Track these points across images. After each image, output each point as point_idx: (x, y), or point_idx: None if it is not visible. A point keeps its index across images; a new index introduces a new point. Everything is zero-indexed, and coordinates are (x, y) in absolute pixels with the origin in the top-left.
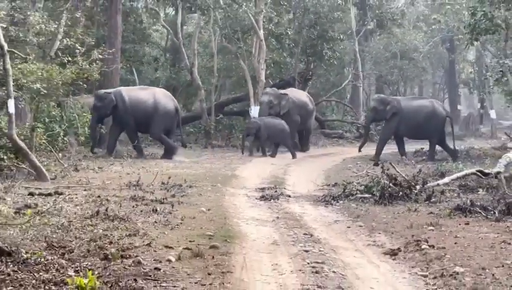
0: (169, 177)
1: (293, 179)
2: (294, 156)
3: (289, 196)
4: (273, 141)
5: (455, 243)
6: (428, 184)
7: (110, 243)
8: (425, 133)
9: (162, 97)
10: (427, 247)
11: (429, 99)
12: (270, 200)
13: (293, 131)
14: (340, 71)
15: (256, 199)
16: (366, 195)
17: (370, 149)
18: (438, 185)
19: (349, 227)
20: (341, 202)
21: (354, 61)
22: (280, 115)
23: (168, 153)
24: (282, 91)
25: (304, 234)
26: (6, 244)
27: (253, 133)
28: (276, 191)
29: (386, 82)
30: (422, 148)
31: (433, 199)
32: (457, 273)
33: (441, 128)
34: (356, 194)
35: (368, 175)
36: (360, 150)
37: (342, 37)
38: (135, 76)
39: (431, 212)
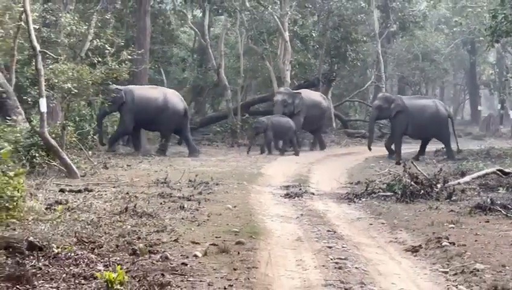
0: (196, 175)
1: (316, 177)
2: (282, 154)
3: (313, 194)
4: (281, 139)
5: (475, 241)
6: (449, 183)
7: (139, 238)
8: (429, 133)
9: (171, 97)
10: (448, 244)
11: (432, 99)
12: (294, 197)
13: (299, 129)
14: (363, 72)
15: (281, 196)
16: (388, 193)
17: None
18: (459, 183)
19: (371, 224)
20: (364, 199)
21: (377, 63)
22: (294, 114)
23: (163, 151)
24: (296, 90)
25: (328, 230)
26: (37, 239)
27: (261, 132)
28: (300, 189)
29: (408, 83)
30: (442, 148)
31: (454, 198)
32: (478, 270)
33: (447, 128)
34: (378, 192)
35: (390, 174)
36: (370, 149)
37: (365, 39)
38: (163, 76)
39: (452, 211)
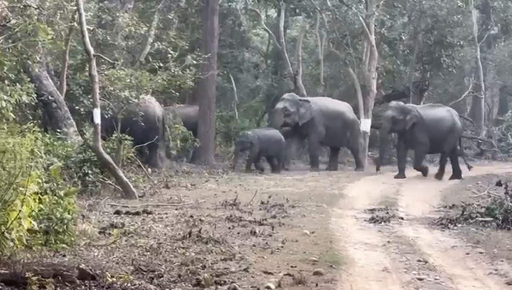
0: (270, 196)
1: (405, 199)
2: (278, 171)
3: (401, 218)
4: (268, 154)
5: None
6: None
7: (203, 267)
8: (445, 146)
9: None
10: None
11: (446, 108)
12: (380, 222)
13: (314, 143)
14: (459, 81)
15: (365, 221)
16: (488, 218)
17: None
18: None
19: (468, 253)
20: (459, 225)
21: (476, 70)
22: (300, 126)
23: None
24: (303, 98)
25: (418, 260)
26: (90, 267)
27: (247, 147)
28: (387, 212)
29: (510, 93)
30: None
31: None
32: None
33: (458, 141)
34: (476, 217)
35: (490, 196)
36: (378, 169)
37: (462, 43)
38: (233, 84)
39: None
